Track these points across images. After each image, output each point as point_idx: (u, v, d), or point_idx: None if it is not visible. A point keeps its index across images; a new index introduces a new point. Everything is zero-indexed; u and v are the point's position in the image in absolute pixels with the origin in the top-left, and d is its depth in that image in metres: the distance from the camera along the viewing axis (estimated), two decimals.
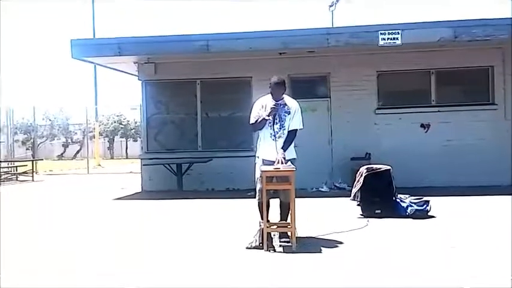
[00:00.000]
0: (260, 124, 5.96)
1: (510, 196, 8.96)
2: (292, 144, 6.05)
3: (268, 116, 5.88)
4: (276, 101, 5.94)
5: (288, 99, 6.08)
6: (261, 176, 5.81)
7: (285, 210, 5.97)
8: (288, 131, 5.97)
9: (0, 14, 37.60)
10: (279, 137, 5.93)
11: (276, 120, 5.93)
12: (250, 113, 6.10)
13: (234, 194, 10.65)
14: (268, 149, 5.95)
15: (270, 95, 5.99)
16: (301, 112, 6.11)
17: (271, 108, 5.87)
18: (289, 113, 5.97)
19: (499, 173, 10.97)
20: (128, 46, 11.30)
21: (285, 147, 5.91)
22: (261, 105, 6.01)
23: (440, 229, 6.81)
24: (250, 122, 6.08)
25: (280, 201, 6.00)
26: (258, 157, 6.10)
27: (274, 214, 6.10)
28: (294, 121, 5.99)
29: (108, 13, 61.10)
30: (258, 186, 5.90)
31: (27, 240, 6.77)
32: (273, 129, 5.93)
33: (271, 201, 5.93)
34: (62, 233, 7.20)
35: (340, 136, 11.75)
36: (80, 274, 5.01)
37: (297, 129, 6.03)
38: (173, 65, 12.20)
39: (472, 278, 4.54)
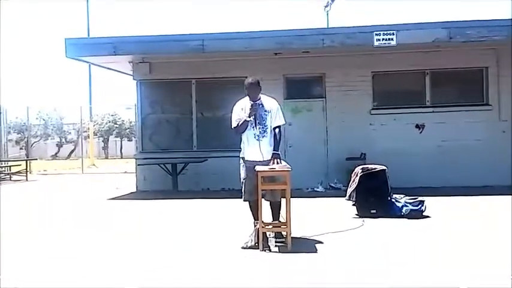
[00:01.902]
0: (242, 126, 5.97)
1: (508, 196, 8.99)
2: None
3: (249, 117, 5.89)
4: (253, 101, 5.94)
5: (265, 99, 6.10)
6: (246, 176, 5.91)
7: (276, 210, 6.02)
8: (273, 128, 5.98)
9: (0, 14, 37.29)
10: (263, 136, 5.94)
11: (257, 121, 5.93)
12: (231, 117, 6.10)
13: (229, 194, 10.62)
14: (252, 149, 5.97)
15: (247, 96, 6.01)
16: (281, 108, 6.16)
17: (250, 108, 5.88)
18: (269, 111, 5.99)
19: (493, 174, 11.02)
20: (123, 45, 11.26)
21: (276, 148, 5.95)
22: (241, 108, 6.03)
23: (435, 229, 6.83)
24: (233, 126, 6.08)
25: (270, 202, 6.02)
26: (242, 158, 6.11)
27: (268, 214, 6.10)
28: (276, 118, 6.01)
29: (103, 12, 61.00)
30: (246, 187, 5.95)
31: (24, 240, 6.73)
32: (256, 130, 5.93)
33: (263, 201, 5.93)
34: (58, 233, 7.17)
35: (335, 136, 11.77)
36: (78, 274, 4.99)
37: (280, 126, 6.04)
38: (168, 64, 12.18)
39: (469, 277, 4.55)
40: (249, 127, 5.95)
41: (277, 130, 6.00)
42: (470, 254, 5.42)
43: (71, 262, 5.45)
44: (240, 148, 6.18)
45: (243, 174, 6.05)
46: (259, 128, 5.93)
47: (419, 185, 10.60)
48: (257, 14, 64.60)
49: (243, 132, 6.01)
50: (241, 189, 6.07)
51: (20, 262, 5.51)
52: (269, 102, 6.06)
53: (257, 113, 5.92)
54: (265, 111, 5.98)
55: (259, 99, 6.02)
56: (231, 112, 6.13)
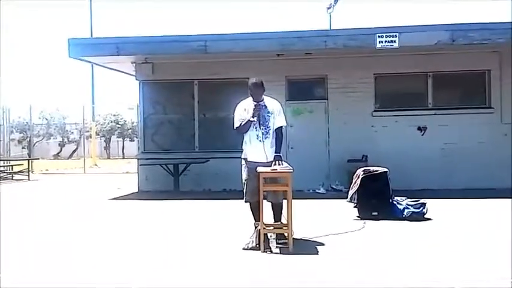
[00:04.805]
0: (245, 127, 5.97)
1: (508, 199, 8.98)
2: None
3: (253, 117, 5.89)
4: (257, 102, 5.95)
5: (268, 100, 6.10)
6: (248, 177, 5.90)
7: (277, 211, 6.02)
8: (275, 130, 5.99)
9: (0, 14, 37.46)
10: (265, 138, 5.94)
11: (260, 122, 5.94)
12: (233, 117, 6.10)
13: (230, 195, 10.63)
14: (255, 150, 5.97)
15: (250, 97, 6.01)
16: (283, 109, 6.16)
17: (254, 109, 5.88)
18: (271, 112, 5.99)
19: (494, 176, 11.01)
20: (126, 46, 11.29)
21: (277, 149, 5.94)
22: (243, 108, 6.02)
23: (437, 231, 6.82)
24: (235, 126, 6.08)
25: (271, 203, 6.02)
26: (244, 159, 6.11)
27: (268, 215, 6.10)
28: (278, 119, 6.00)
29: (106, 13, 61.09)
30: (248, 188, 5.94)
31: (25, 240, 6.74)
32: (259, 131, 5.94)
33: (264, 203, 5.94)
34: (59, 233, 7.18)
35: (337, 138, 11.77)
36: (79, 274, 5.00)
37: (282, 127, 6.04)
38: (171, 65, 12.20)
39: (467, 279, 4.55)
40: (251, 128, 5.95)
41: (278, 131, 6.00)
42: (471, 257, 5.41)
43: (72, 262, 5.46)
44: (242, 149, 6.17)
45: (244, 176, 6.05)
46: (262, 129, 5.93)
47: (421, 188, 10.61)
48: (260, 15, 64.69)
49: (245, 133, 6.01)
50: (243, 190, 6.06)
51: (20, 262, 5.52)
52: (272, 103, 6.06)
53: (260, 114, 5.92)
54: (268, 112, 5.98)
55: (262, 100, 6.02)
56: (233, 113, 6.14)
